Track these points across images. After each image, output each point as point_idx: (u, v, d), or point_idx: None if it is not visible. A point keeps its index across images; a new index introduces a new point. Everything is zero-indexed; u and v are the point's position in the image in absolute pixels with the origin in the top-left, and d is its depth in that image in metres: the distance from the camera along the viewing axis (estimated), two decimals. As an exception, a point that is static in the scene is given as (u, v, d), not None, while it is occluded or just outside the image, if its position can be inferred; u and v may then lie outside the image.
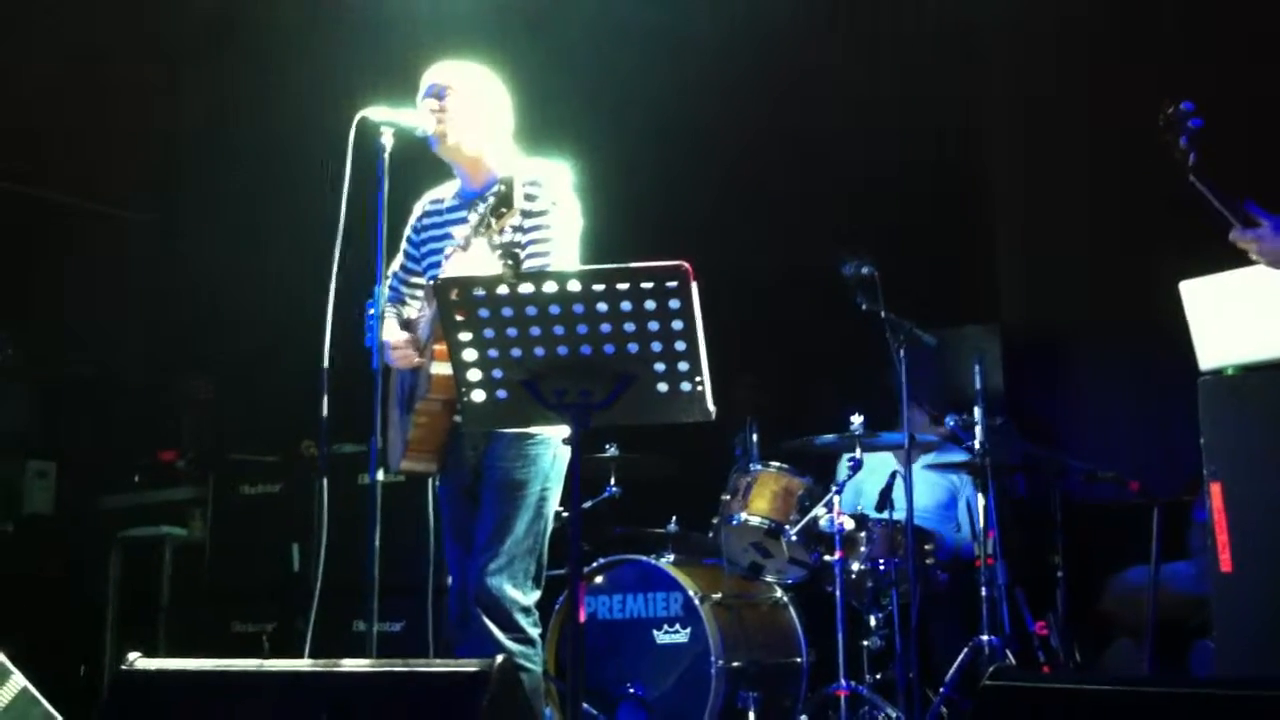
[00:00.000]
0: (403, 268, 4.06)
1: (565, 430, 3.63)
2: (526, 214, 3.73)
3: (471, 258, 3.52)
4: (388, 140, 3.63)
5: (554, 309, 2.93)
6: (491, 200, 3.51)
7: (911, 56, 6.18)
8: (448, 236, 3.76)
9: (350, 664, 2.84)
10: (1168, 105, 3.20)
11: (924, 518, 5.42)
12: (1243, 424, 4.21)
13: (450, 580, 3.90)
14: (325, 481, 3.84)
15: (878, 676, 5.08)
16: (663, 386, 2.98)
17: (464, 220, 3.62)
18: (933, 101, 6.18)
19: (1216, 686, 2.62)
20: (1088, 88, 5.81)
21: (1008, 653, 4.92)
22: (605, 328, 2.93)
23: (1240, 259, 3.59)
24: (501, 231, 3.56)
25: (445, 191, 4.04)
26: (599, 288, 2.90)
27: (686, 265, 2.88)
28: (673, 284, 2.88)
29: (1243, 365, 4.28)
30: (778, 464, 5.27)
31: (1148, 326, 4.68)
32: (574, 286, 2.92)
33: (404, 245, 4.07)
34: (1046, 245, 6.22)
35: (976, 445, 5.09)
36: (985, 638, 4.92)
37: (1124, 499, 5.12)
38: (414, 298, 4.03)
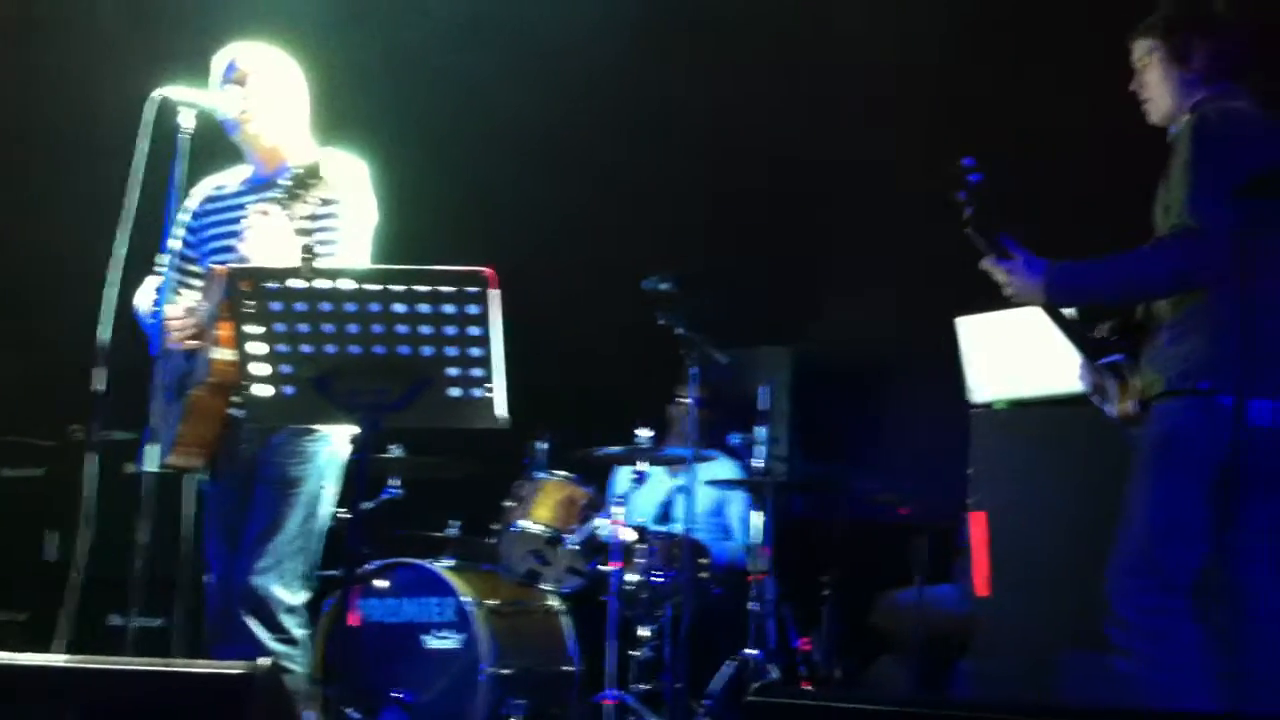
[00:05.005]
0: (179, 255, 3.88)
1: (346, 428, 3.59)
2: (323, 200, 3.65)
3: (273, 227, 3.45)
4: (187, 121, 3.50)
5: (350, 306, 2.87)
6: (291, 180, 3.45)
7: (731, 83, 6.21)
8: (232, 223, 3.64)
9: (107, 661, 2.71)
10: (950, 164, 3.35)
11: (695, 528, 5.49)
12: (1008, 457, 4.41)
13: (211, 577, 3.77)
14: (91, 461, 3.62)
15: (645, 686, 5.13)
16: (455, 391, 2.95)
17: (244, 207, 3.54)
18: (750, 126, 6.23)
19: (967, 709, 2.72)
20: (900, 122, 5.91)
21: (770, 667, 5.04)
22: (401, 329, 2.88)
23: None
24: (299, 216, 3.49)
25: (229, 178, 3.92)
26: (398, 288, 2.85)
27: (489, 271, 2.85)
28: (473, 289, 2.85)
29: (1012, 401, 4.48)
30: (563, 473, 5.27)
31: (935, 359, 4.83)
32: (372, 285, 2.86)
33: (180, 231, 3.88)
34: (848, 274, 6.32)
35: (759, 464, 5.19)
36: (750, 651, 5.02)
37: (896, 521, 5.30)
38: (187, 285, 3.87)
